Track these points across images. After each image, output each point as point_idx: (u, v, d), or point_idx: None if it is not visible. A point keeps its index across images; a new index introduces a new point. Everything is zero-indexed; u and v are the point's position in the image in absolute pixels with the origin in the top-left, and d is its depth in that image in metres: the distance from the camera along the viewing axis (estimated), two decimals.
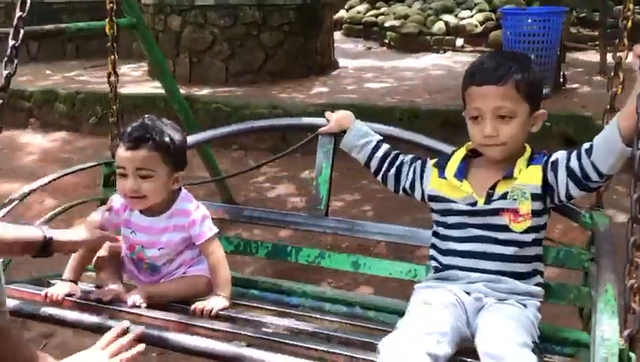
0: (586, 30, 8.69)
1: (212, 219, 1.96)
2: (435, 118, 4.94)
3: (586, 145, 1.62)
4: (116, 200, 1.96)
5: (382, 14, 10.33)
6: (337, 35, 10.00)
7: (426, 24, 9.18)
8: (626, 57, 1.75)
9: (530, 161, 1.70)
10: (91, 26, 2.83)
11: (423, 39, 8.89)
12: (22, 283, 1.95)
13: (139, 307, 1.74)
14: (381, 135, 2.05)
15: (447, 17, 9.12)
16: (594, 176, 1.60)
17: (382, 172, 1.97)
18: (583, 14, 8.83)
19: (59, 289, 1.80)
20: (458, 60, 7.99)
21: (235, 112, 5.57)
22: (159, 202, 1.88)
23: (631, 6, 1.75)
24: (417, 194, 1.90)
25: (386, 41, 9.43)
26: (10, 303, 1.66)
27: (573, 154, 1.65)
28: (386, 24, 9.61)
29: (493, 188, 1.69)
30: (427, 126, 4.60)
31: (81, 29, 2.84)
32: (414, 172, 1.90)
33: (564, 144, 2.09)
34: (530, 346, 1.46)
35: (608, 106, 1.81)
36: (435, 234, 1.82)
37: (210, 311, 1.75)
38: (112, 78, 2.53)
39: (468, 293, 1.63)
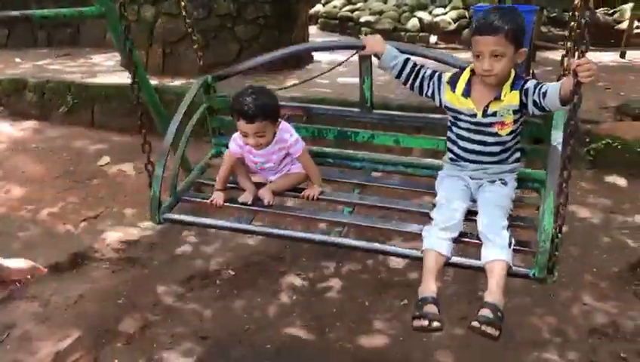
0: (557, 30, 8.81)
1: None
2: (406, 127, 4.97)
3: (543, 89, 2.33)
4: (238, 139, 2.79)
5: (357, 10, 10.37)
6: (313, 29, 10.01)
7: (400, 20, 9.25)
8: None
9: (513, 86, 2.41)
10: (58, 14, 2.80)
11: (397, 35, 8.96)
12: (188, 193, 2.96)
13: (271, 205, 2.75)
14: (408, 52, 2.73)
15: (421, 14, 9.20)
16: (547, 109, 2.37)
17: (409, 83, 2.66)
18: (554, 14, 8.97)
19: (218, 197, 2.77)
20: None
21: None
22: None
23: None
24: (437, 102, 2.61)
25: (361, 36, 9.46)
26: (207, 221, 2.81)
27: (536, 92, 2.35)
28: (362, 19, 9.65)
29: (487, 106, 2.45)
30: (401, 126, 4.63)
31: (46, 17, 2.79)
32: (433, 85, 2.60)
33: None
34: (505, 226, 2.31)
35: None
36: (450, 130, 2.61)
37: (314, 196, 2.79)
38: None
39: (471, 178, 2.55)
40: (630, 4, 7.66)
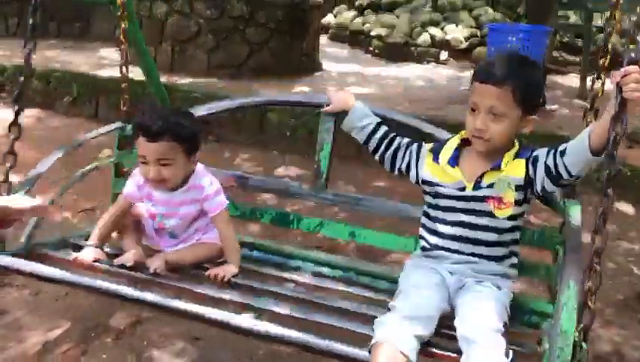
0: (568, 55, 8.79)
1: (221, 185, 2.21)
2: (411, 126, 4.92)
3: (561, 148, 1.78)
4: (138, 176, 2.16)
5: (369, 22, 10.35)
6: (323, 39, 9.99)
7: (412, 35, 9.22)
8: (603, 84, 1.96)
9: (517, 155, 1.87)
10: None
11: (407, 50, 8.93)
12: (47, 245, 2.21)
13: (158, 274, 1.96)
14: (381, 117, 2.20)
15: (433, 30, 9.17)
16: (565, 175, 1.77)
17: (379, 152, 2.13)
18: (567, 39, 8.95)
19: (87, 254, 2.04)
20: (440, 73, 8.03)
21: (212, 101, 5.49)
22: (175, 183, 2.11)
23: (614, 39, 1.93)
24: (412, 176, 2.06)
25: (371, 48, 9.44)
26: (38, 267, 1.96)
27: (551, 154, 1.81)
28: (373, 32, 9.63)
29: (481, 176, 1.87)
30: (403, 133, 4.59)
31: None
32: (410, 155, 2.06)
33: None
34: (501, 330, 1.64)
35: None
36: (426, 215, 2.00)
37: (223, 278, 1.99)
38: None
39: (451, 273, 1.86)
40: None
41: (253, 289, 2.00)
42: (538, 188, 1.84)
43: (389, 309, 1.75)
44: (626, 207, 4.54)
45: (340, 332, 1.76)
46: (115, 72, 6.38)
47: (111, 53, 7.78)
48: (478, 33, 8.97)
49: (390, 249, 2.34)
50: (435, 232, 1.94)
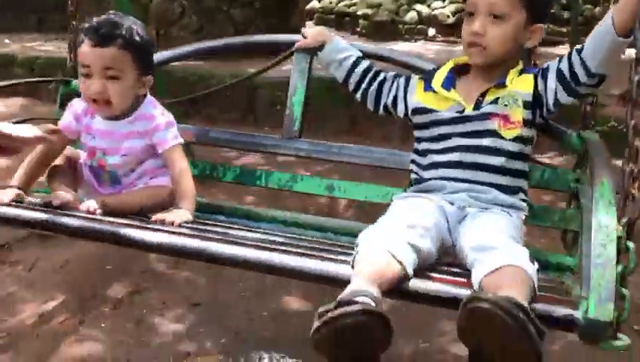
0: (556, 26, 8.75)
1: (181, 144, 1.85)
2: (351, 166, 4.85)
3: (578, 46, 1.56)
4: (77, 105, 1.85)
5: (354, 4, 10.27)
6: (309, 24, 9.90)
7: (398, 13, 9.15)
8: None
9: (522, 72, 1.66)
10: None
11: (395, 28, 8.87)
12: None
13: (93, 213, 1.60)
14: (361, 52, 1.95)
15: (419, 7, 9.11)
16: (582, 76, 1.53)
17: (362, 88, 1.88)
18: (552, 11, 8.90)
19: (4, 194, 1.66)
20: (430, 49, 7.96)
21: (200, 81, 5.43)
22: (121, 108, 1.78)
23: None
24: (400, 110, 1.81)
25: (358, 29, 9.36)
26: None
27: (565, 57, 1.59)
28: (359, 12, 9.55)
29: (483, 95, 1.64)
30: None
31: None
32: (397, 87, 1.82)
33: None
34: (519, 241, 1.41)
35: None
36: (416, 151, 1.75)
37: (172, 224, 1.61)
38: None
39: (451, 203, 1.56)
40: None
41: (209, 233, 1.58)
42: (550, 101, 1.59)
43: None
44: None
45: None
46: None
47: None
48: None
49: (375, 201, 1.92)
50: (429, 165, 1.67)
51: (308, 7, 10.47)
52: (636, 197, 1.21)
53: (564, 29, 8.34)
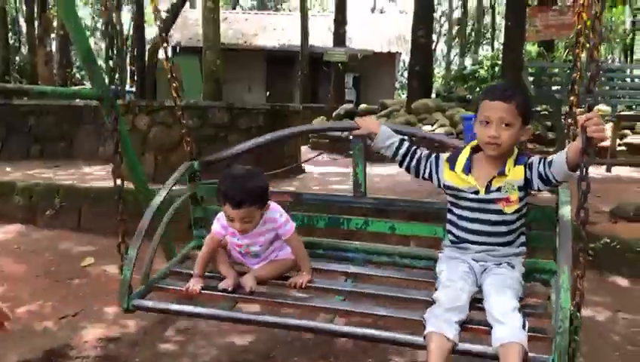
0: (542, 147, 9.06)
1: (281, 201, 2.78)
2: (401, 213, 4.93)
3: (549, 159, 2.28)
4: (222, 218, 2.65)
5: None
6: (304, 148, 10.23)
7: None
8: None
9: (516, 161, 2.35)
10: (55, 91, 2.80)
11: None
12: (161, 280, 2.75)
13: (253, 292, 2.52)
14: (403, 133, 2.71)
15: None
16: (553, 181, 2.28)
17: (405, 165, 2.58)
18: (539, 132, 9.26)
19: (194, 284, 2.56)
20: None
21: None
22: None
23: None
24: (435, 182, 2.52)
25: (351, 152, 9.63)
26: (158, 304, 2.63)
27: (541, 163, 2.30)
28: (351, 137, 9.90)
29: (490, 181, 2.36)
30: (397, 212, 4.60)
31: (44, 92, 2.79)
32: (431, 165, 2.51)
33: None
34: (517, 307, 2.14)
35: None
36: (450, 211, 2.49)
37: (302, 284, 2.58)
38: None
39: (475, 261, 2.39)
40: (610, 123, 7.94)
41: (326, 291, 2.63)
42: (535, 187, 2.33)
43: (433, 301, 2.21)
44: (621, 281, 4.48)
45: (396, 321, 2.38)
46: (99, 185, 6.48)
47: (95, 170, 7.85)
48: (454, 131, 9.26)
49: (423, 235, 2.87)
50: (458, 227, 2.45)
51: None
52: (580, 289, 2.00)
53: (551, 149, 8.63)
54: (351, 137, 2.88)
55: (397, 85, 28.48)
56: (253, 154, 6.76)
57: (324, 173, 7.77)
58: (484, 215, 2.37)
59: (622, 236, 4.64)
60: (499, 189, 2.34)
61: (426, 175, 2.52)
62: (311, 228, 3.10)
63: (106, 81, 3.05)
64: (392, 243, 3.26)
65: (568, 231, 2.24)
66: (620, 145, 8.92)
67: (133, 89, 20.21)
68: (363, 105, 12.80)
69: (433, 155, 2.52)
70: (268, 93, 23.14)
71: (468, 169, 2.39)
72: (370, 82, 21.97)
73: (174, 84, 3.22)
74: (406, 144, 2.58)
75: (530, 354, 1.99)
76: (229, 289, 2.52)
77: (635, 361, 3.31)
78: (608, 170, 8.07)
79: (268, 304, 2.60)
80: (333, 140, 10.73)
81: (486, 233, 2.38)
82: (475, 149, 2.42)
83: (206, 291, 2.54)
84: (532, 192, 2.38)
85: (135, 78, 19.45)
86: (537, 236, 2.63)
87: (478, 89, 12.98)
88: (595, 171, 8.02)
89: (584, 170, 1.97)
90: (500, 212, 2.35)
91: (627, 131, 9.43)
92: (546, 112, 8.47)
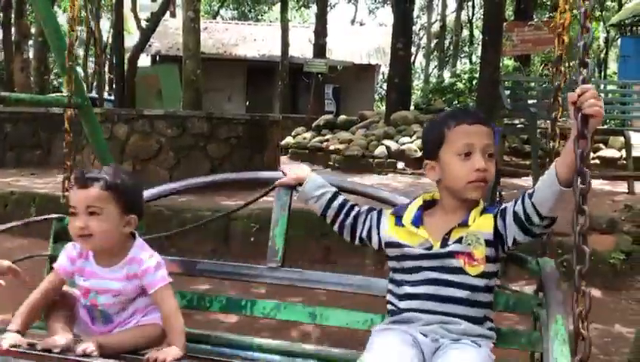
0: (519, 159, 9.18)
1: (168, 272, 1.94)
2: (330, 293, 4.93)
3: (529, 190, 1.68)
4: (70, 248, 1.94)
5: (327, 140, 10.74)
6: (284, 158, 10.25)
7: (368, 148, 9.55)
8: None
9: (484, 211, 1.78)
10: (33, 98, 2.79)
11: (366, 161, 9.21)
12: None
13: (89, 356, 1.67)
14: (337, 187, 2.09)
15: (388, 142, 9.54)
16: (535, 218, 1.65)
17: (338, 221, 1.99)
18: (515, 145, 9.39)
19: (3, 340, 1.71)
20: (400, 181, 8.25)
21: (176, 215, 5.48)
22: (112, 251, 1.88)
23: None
24: (374, 242, 1.92)
25: (331, 163, 9.70)
26: None
27: (519, 200, 1.71)
28: (331, 147, 9.95)
29: (448, 233, 1.76)
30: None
31: (21, 100, 2.78)
32: (371, 220, 1.93)
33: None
34: None
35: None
36: (391, 281, 1.85)
37: None
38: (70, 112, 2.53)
39: (424, 335, 1.68)
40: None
41: None
42: (509, 241, 1.72)
43: None
44: (594, 292, 4.56)
45: None
46: None
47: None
48: None
49: (356, 328, 2.03)
50: (403, 295, 1.78)
51: (283, 142, 10.90)
52: (585, 337, 1.31)
53: (527, 162, 8.75)
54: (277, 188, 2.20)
55: (376, 97, 28.67)
56: (230, 165, 6.84)
57: None
58: (440, 274, 1.74)
59: (595, 247, 4.73)
60: (459, 240, 1.74)
61: (364, 234, 1.94)
62: (198, 311, 2.33)
63: (85, 88, 3.04)
64: (312, 337, 2.66)
65: (558, 284, 1.79)
66: (593, 158, 9.10)
67: (112, 97, 20.09)
68: (342, 117, 12.88)
69: (375, 210, 1.95)
70: (248, 102, 23.15)
71: (418, 221, 1.82)
72: (350, 93, 22.10)
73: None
74: (341, 197, 2.01)
75: None
76: (56, 349, 1.69)
77: None
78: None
79: None
80: (314, 150, 10.78)
81: (441, 298, 1.72)
82: (428, 204, 1.88)
83: (19, 350, 1.70)
84: (505, 252, 1.78)
85: (114, 86, 19.33)
86: (510, 334, 1.89)
87: (456, 101, 13.12)
88: None
89: (580, 160, 1.44)
90: (460, 271, 1.73)
91: (601, 145, 9.61)
92: (522, 125, 8.60)
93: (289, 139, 11.91)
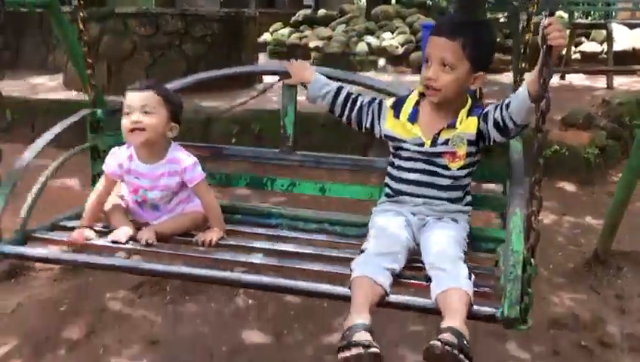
0: (500, 55, 9.08)
1: (196, 155, 2.27)
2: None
3: (506, 101, 1.92)
4: (118, 152, 2.25)
5: (305, 37, 10.47)
6: (262, 57, 10.02)
7: (349, 45, 9.36)
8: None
9: (470, 113, 2.02)
10: None
11: (346, 59, 9.04)
12: (42, 231, 2.22)
13: (151, 244, 2.06)
14: (341, 80, 2.33)
15: (369, 39, 9.34)
16: (511, 125, 1.93)
17: (345, 115, 2.22)
18: (497, 39, 9.26)
19: (79, 234, 2.10)
20: (382, 80, 8.18)
21: None
22: (155, 150, 2.20)
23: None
24: (377, 132, 2.18)
25: (311, 61, 9.52)
26: (36, 251, 2.12)
27: (497, 108, 1.96)
28: (310, 44, 9.73)
29: (438, 133, 2.03)
30: (347, 132, 4.64)
31: None
32: (372, 113, 2.17)
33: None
34: (462, 258, 1.84)
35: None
36: (391, 164, 2.16)
37: (211, 242, 2.11)
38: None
39: (413, 214, 2.05)
40: (567, 30, 7.99)
41: (239, 248, 2.17)
42: (489, 141, 2.02)
43: (362, 251, 1.88)
44: (568, 186, 4.71)
45: (322, 276, 1.96)
46: (50, 96, 6.29)
47: (45, 81, 7.59)
48: (413, 39, 9.18)
49: (358, 198, 2.49)
50: (398, 179, 2.11)
51: (260, 39, 10.61)
52: (536, 229, 1.63)
53: (509, 57, 8.67)
54: (279, 85, 2.43)
55: None
56: (205, 61, 6.65)
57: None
58: (425, 166, 2.05)
59: (571, 143, 4.83)
60: (446, 142, 2.02)
61: (368, 124, 2.18)
62: (229, 188, 2.77)
63: None
64: (322, 207, 2.85)
65: (521, 166, 2.07)
66: (574, 52, 9.03)
67: None
68: (322, 11, 12.47)
69: (376, 101, 2.17)
70: None
71: (414, 117, 2.06)
72: None
73: None
74: (344, 92, 2.21)
75: (474, 306, 1.68)
76: (122, 241, 2.07)
77: (576, 259, 3.55)
78: (562, 77, 8.21)
79: (169, 258, 2.15)
80: (292, 47, 10.53)
81: (426, 184, 2.06)
82: (424, 95, 2.09)
83: (92, 242, 2.09)
84: (485, 144, 2.06)
85: None
86: (486, 199, 2.33)
87: None
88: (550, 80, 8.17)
89: (543, 85, 1.63)
90: (444, 167, 2.04)
91: (582, 39, 9.51)
92: (505, 19, 8.45)
93: (267, 36, 11.57)
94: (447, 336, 1.53)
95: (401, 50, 9.02)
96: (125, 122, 2.14)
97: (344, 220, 2.38)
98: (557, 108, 6.15)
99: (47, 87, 7.10)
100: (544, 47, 1.64)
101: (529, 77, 1.82)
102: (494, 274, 1.89)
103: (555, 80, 8.28)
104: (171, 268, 1.99)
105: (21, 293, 3.15)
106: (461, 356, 1.51)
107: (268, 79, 7.67)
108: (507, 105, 1.90)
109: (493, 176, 2.38)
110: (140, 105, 2.12)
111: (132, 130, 2.13)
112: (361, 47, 9.15)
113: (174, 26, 6.63)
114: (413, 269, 1.91)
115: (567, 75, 8.24)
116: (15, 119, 5.88)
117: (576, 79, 8.23)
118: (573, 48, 8.79)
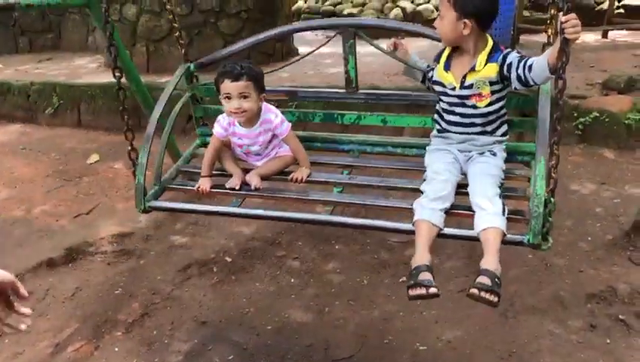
0: (539, 14, 8.87)
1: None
2: (393, 106, 4.98)
3: (529, 62, 2.28)
4: (222, 120, 2.80)
5: (339, 3, 10.39)
6: (296, 25, 9.98)
7: (383, 11, 9.26)
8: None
9: (489, 58, 2.39)
10: (42, 2, 2.77)
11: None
12: (170, 181, 2.88)
13: (258, 188, 2.69)
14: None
15: (403, 3, 9.22)
16: (532, 83, 2.33)
17: (426, 81, 2.74)
18: None
19: (204, 183, 2.73)
20: (415, 45, 8.07)
21: None
22: (251, 118, 2.74)
23: None
24: (429, 81, 2.68)
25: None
26: (179, 205, 2.82)
27: (520, 66, 2.31)
28: (345, 12, 9.66)
29: (464, 77, 2.45)
30: (388, 105, 4.66)
31: (31, 5, 2.76)
32: (431, 69, 2.65)
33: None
34: (498, 193, 2.30)
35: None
36: (437, 103, 2.62)
37: (302, 179, 2.75)
38: None
39: (460, 151, 2.52)
40: None
41: (324, 184, 2.82)
42: (512, 87, 2.40)
43: (421, 192, 2.38)
44: (608, 153, 4.63)
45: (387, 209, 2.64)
46: (92, 79, 6.47)
47: (86, 62, 7.77)
48: None
49: (414, 126, 3.10)
50: (442, 118, 2.58)
51: (294, 7, 10.58)
52: (554, 177, 2.13)
53: (546, 15, 8.46)
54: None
55: None
56: (241, 38, 6.69)
57: (318, 54, 7.66)
58: (462, 109, 2.49)
59: (611, 109, 4.73)
60: (471, 86, 2.43)
61: (428, 76, 2.70)
62: (307, 123, 3.24)
63: None
64: (384, 135, 3.32)
65: (546, 123, 2.38)
66: (617, 7, 8.72)
67: None
68: None
69: (430, 67, 2.67)
70: None
71: (447, 66, 2.51)
72: None
73: None
74: (424, 65, 2.72)
75: (508, 235, 2.18)
76: (236, 187, 2.71)
77: (614, 230, 3.54)
78: (604, 35, 7.97)
79: (273, 199, 2.84)
80: (327, 15, 10.46)
81: (463, 124, 2.51)
82: (454, 48, 2.52)
83: (215, 190, 2.72)
84: (509, 85, 2.44)
85: None
86: (520, 122, 2.82)
87: None
88: (591, 37, 7.92)
89: (560, 70, 2.07)
90: (473, 107, 2.46)
91: None
92: None
93: (300, 3, 11.51)
94: (484, 280, 2.02)
95: (436, 14, 8.88)
96: (228, 106, 2.68)
97: (404, 143, 3.05)
98: (598, 71, 5.99)
99: (89, 69, 7.29)
100: (561, 37, 1.99)
101: (549, 51, 2.18)
102: (526, 194, 2.39)
103: (595, 38, 8.06)
104: (277, 213, 2.66)
105: (78, 278, 3.35)
106: (493, 297, 2.00)
107: (302, 50, 7.69)
108: (530, 68, 2.27)
109: (526, 105, 2.72)
110: (237, 93, 2.64)
111: (235, 113, 2.68)
112: (396, 12, 9.05)
113: (209, 3, 6.69)
114: (461, 195, 2.39)
115: (609, 33, 7.99)
116: (61, 104, 6.10)
117: (620, 36, 7.97)
118: (616, 3, 8.49)
